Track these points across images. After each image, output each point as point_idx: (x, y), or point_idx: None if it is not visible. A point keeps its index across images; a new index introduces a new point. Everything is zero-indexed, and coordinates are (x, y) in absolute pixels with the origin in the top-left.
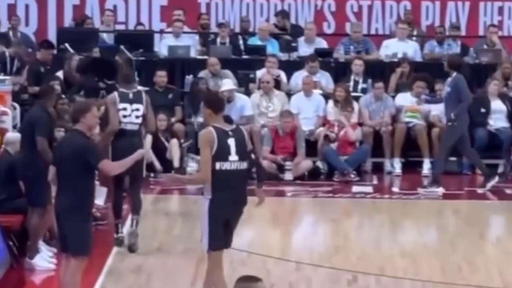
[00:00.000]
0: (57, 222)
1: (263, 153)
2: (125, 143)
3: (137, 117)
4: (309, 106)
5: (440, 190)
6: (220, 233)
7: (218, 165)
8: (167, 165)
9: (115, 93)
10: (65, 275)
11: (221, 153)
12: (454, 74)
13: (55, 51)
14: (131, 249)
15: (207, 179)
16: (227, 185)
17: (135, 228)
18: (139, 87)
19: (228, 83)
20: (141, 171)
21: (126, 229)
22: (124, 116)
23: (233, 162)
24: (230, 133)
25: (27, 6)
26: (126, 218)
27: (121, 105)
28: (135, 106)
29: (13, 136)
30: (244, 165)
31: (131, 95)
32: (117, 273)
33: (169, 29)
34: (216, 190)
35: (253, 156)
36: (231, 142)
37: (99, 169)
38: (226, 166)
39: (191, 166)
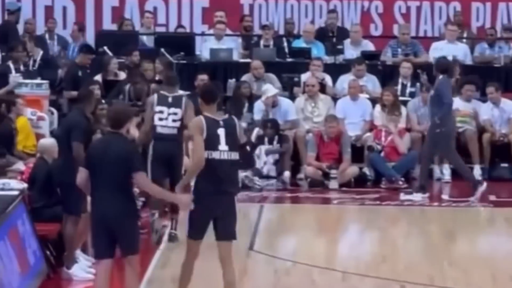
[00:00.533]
0: (105, 227)
1: (308, 160)
2: (160, 147)
3: (174, 121)
4: (355, 110)
5: (426, 197)
6: (199, 223)
7: (206, 154)
8: None
9: (155, 95)
10: (130, 279)
11: (210, 142)
12: (441, 77)
13: (93, 56)
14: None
15: (201, 163)
16: (214, 175)
17: (174, 231)
18: (181, 92)
19: (271, 89)
20: (180, 175)
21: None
22: (160, 119)
23: (223, 151)
24: (221, 122)
25: (64, 8)
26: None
27: (158, 108)
28: (173, 110)
29: (48, 142)
30: (234, 155)
31: (170, 99)
32: (158, 282)
33: (211, 32)
34: (201, 179)
35: (248, 148)
36: (221, 132)
37: (134, 178)
38: (214, 155)
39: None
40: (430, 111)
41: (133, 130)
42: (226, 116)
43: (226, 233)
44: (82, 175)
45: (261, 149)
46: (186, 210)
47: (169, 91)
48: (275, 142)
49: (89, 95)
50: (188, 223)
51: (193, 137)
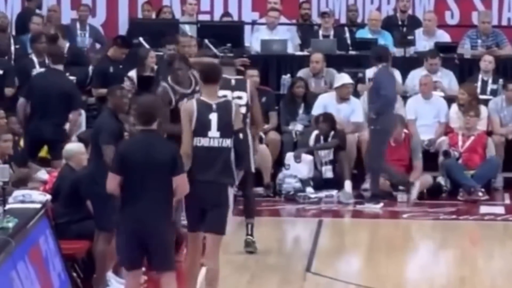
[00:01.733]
0: (139, 239)
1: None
2: None
3: (239, 106)
4: (428, 110)
5: (380, 206)
6: (194, 215)
7: (195, 141)
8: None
9: None
10: None
11: (200, 128)
12: (380, 66)
13: (127, 51)
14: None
15: (187, 153)
16: (204, 163)
17: (251, 237)
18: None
19: (345, 77)
20: (249, 166)
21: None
22: None
23: (213, 138)
24: (214, 107)
25: None
26: None
27: (221, 92)
28: (237, 93)
29: (74, 147)
30: (226, 142)
31: (233, 81)
32: None
33: (262, 20)
34: (191, 167)
35: (240, 136)
36: (213, 116)
37: (175, 181)
38: (204, 142)
39: (288, 182)
40: (367, 107)
41: None
42: (222, 99)
43: (213, 225)
44: (114, 182)
45: (320, 155)
46: None
47: (229, 73)
48: (329, 139)
49: (120, 93)
50: (186, 216)
51: (182, 123)
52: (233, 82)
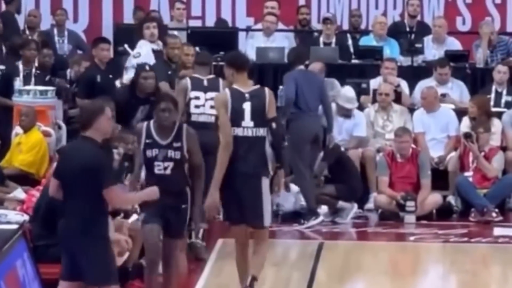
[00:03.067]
0: (69, 251)
1: (381, 186)
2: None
3: (212, 107)
4: (437, 124)
5: (320, 220)
6: (232, 206)
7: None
8: None
9: (187, 79)
10: None
11: (234, 118)
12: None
13: (109, 47)
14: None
15: (230, 142)
16: (238, 153)
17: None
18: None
19: (348, 92)
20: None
21: None
22: (197, 106)
23: (247, 128)
24: (247, 96)
25: None
26: None
27: (193, 94)
28: (210, 94)
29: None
30: (261, 132)
31: (205, 82)
32: None
33: (258, 26)
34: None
35: (273, 125)
36: (247, 106)
37: (105, 196)
38: (238, 132)
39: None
40: None
41: None
42: (256, 87)
43: (253, 218)
44: (53, 185)
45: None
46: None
47: (202, 73)
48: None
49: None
50: (223, 207)
51: (219, 113)
52: (205, 82)
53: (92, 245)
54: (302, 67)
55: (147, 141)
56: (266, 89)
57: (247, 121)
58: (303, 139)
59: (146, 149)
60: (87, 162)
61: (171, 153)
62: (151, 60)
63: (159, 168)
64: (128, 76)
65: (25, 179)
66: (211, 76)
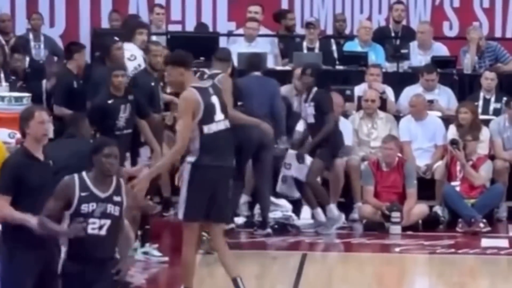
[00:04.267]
0: None
1: (365, 196)
2: None
3: None
4: (422, 133)
5: (267, 233)
6: (200, 203)
7: (206, 129)
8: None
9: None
10: None
11: (208, 114)
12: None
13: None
14: None
15: (185, 146)
16: (216, 150)
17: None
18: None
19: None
20: None
21: None
22: None
23: (219, 122)
24: (210, 90)
25: (51, 1)
26: None
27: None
28: None
29: None
30: (227, 123)
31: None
32: None
33: (240, 31)
34: (203, 155)
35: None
36: (215, 99)
37: None
38: (212, 127)
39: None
40: None
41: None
42: (210, 81)
43: (220, 213)
44: None
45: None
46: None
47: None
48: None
49: (81, 120)
50: (184, 205)
51: (182, 116)
52: (211, 90)
53: None
54: (257, 73)
55: (83, 194)
56: (216, 81)
57: (219, 115)
58: (246, 147)
59: (81, 203)
60: None
61: (110, 208)
62: (143, 65)
63: (93, 226)
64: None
65: None
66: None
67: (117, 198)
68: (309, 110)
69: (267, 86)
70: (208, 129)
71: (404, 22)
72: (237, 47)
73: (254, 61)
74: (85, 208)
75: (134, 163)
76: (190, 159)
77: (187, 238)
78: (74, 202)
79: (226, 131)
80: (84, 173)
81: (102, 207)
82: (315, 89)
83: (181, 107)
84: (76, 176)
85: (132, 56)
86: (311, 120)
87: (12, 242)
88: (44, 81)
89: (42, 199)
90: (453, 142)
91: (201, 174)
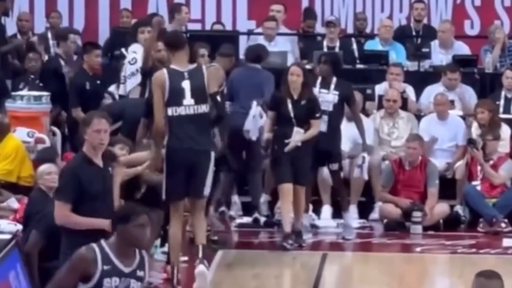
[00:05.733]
0: None
1: (382, 194)
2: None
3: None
4: (444, 133)
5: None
6: (177, 185)
7: (170, 111)
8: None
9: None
10: None
11: (174, 97)
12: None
13: (100, 52)
14: None
15: (160, 127)
16: (183, 132)
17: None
18: None
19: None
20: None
21: None
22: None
23: (189, 106)
24: (186, 74)
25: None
26: None
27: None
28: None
29: (42, 167)
30: (203, 108)
31: (186, 74)
32: None
33: (259, 30)
34: (171, 137)
35: (218, 98)
36: (186, 84)
37: None
38: (180, 111)
39: None
40: None
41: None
42: (193, 65)
43: (196, 190)
44: None
45: None
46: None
47: (179, 62)
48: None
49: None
50: (164, 188)
51: (154, 96)
52: (186, 75)
53: None
54: (252, 64)
55: (105, 267)
56: (204, 67)
57: (188, 99)
58: (230, 137)
59: (103, 278)
60: None
61: (133, 284)
62: None
63: None
64: (129, 85)
65: (9, 188)
66: (192, 66)
67: (140, 273)
68: (330, 98)
69: (257, 78)
70: (173, 111)
71: (425, 21)
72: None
73: (251, 53)
74: (107, 284)
75: None
76: (165, 142)
77: (172, 216)
78: (96, 276)
79: (198, 116)
80: (103, 243)
81: (125, 283)
82: (334, 78)
83: (153, 86)
84: (95, 247)
85: (133, 59)
86: (330, 108)
87: (72, 248)
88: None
89: (101, 206)
90: (471, 142)
91: (172, 157)
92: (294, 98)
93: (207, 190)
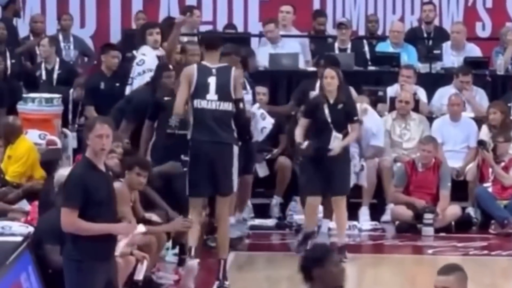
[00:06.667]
0: None
1: (395, 194)
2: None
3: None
4: (456, 134)
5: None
6: (200, 177)
7: (196, 103)
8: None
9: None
10: None
11: (199, 91)
12: None
13: (118, 54)
14: None
15: (178, 112)
16: (206, 125)
17: None
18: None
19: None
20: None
21: None
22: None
23: (211, 101)
24: (213, 71)
25: (82, 2)
26: None
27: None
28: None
29: (66, 173)
30: (225, 106)
31: (214, 71)
32: None
33: None
34: (195, 130)
35: (241, 105)
36: (212, 80)
37: None
38: (203, 104)
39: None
40: None
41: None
42: (223, 64)
43: (222, 186)
44: None
45: None
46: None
47: (211, 59)
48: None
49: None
50: (188, 181)
51: (180, 85)
52: (214, 71)
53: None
54: None
55: None
56: (233, 68)
57: (212, 95)
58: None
59: None
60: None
61: None
62: (153, 68)
63: None
64: (135, 85)
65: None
66: (222, 64)
67: None
68: None
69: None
70: (198, 103)
71: (437, 23)
72: (268, 48)
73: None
74: None
75: None
76: (188, 134)
77: (191, 212)
78: None
79: (220, 112)
80: None
81: None
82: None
83: (181, 78)
84: None
85: (141, 61)
86: None
87: (81, 255)
88: (71, 91)
89: (106, 211)
90: (481, 143)
91: (195, 149)
92: (331, 102)
93: (233, 187)
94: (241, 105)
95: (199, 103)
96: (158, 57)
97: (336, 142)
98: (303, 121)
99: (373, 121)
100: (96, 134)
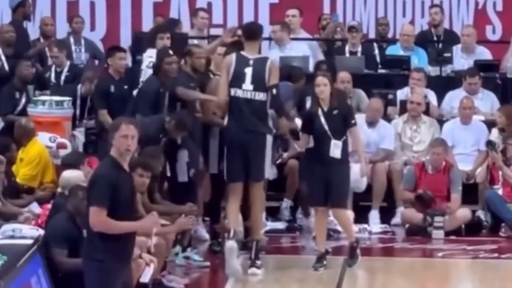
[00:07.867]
0: None
1: (403, 195)
2: None
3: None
4: (467, 137)
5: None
6: (235, 163)
7: (232, 91)
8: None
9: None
10: None
11: (236, 80)
12: None
13: (126, 56)
14: None
15: (221, 102)
16: (240, 113)
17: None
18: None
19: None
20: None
21: None
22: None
23: (247, 91)
24: (251, 61)
25: (92, 4)
26: None
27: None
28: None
29: (73, 175)
30: (260, 96)
31: (251, 61)
32: None
33: None
34: (230, 117)
35: (274, 91)
36: (248, 70)
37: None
38: (239, 93)
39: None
40: None
41: None
42: (261, 55)
43: (254, 173)
44: None
45: None
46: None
47: (251, 49)
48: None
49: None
50: (225, 166)
51: (221, 75)
52: (251, 62)
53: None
54: None
55: None
56: (269, 59)
57: (247, 84)
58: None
59: None
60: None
61: None
62: None
63: None
64: None
65: (30, 193)
66: (259, 55)
67: None
68: None
69: None
70: (234, 92)
71: (447, 26)
72: (278, 51)
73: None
74: None
75: (173, 168)
76: (225, 122)
77: (230, 197)
78: None
79: (255, 102)
80: None
81: None
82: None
83: (221, 67)
84: None
85: (150, 63)
86: None
87: (104, 255)
88: (79, 86)
89: (129, 210)
90: (489, 143)
91: (230, 136)
92: (325, 109)
93: (264, 173)
94: (274, 91)
95: (236, 92)
96: None
97: (335, 150)
98: (302, 136)
99: (385, 126)
100: (121, 134)
